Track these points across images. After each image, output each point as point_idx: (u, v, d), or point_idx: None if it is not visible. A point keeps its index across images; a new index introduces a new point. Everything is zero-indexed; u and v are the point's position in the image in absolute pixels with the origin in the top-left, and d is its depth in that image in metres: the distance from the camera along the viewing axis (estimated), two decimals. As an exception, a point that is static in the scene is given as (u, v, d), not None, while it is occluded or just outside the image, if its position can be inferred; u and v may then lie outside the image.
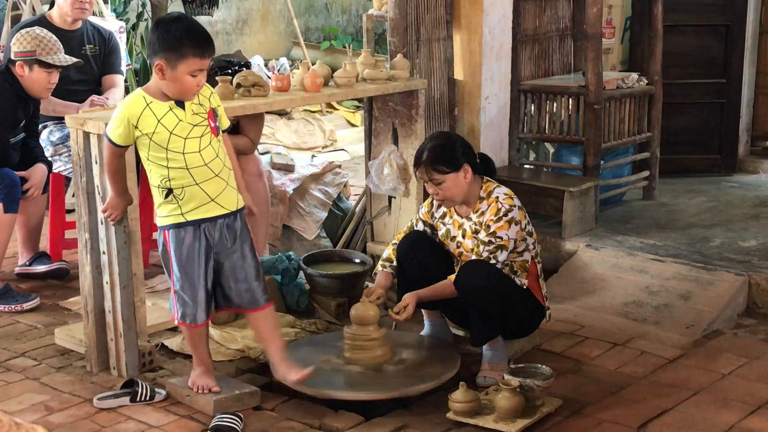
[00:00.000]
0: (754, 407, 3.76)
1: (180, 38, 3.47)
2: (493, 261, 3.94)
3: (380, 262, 4.27)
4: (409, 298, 4.03)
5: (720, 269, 4.93)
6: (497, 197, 4.02)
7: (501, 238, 3.95)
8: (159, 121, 3.54)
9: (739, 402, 3.80)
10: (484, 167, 4.13)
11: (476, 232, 4.04)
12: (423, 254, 4.14)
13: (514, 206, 4.01)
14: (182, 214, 3.61)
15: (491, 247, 3.95)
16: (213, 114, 3.66)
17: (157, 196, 3.64)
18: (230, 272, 3.69)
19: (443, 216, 4.19)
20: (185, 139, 3.56)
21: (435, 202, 4.16)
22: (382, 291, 4.12)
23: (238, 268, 3.69)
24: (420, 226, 4.25)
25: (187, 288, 3.64)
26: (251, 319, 3.82)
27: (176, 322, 3.75)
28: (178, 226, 3.62)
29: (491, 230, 3.96)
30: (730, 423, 3.63)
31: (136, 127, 3.55)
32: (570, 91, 5.89)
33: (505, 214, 3.97)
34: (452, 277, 3.98)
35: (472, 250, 4.04)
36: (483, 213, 4.03)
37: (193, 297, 3.64)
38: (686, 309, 4.69)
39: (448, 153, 3.99)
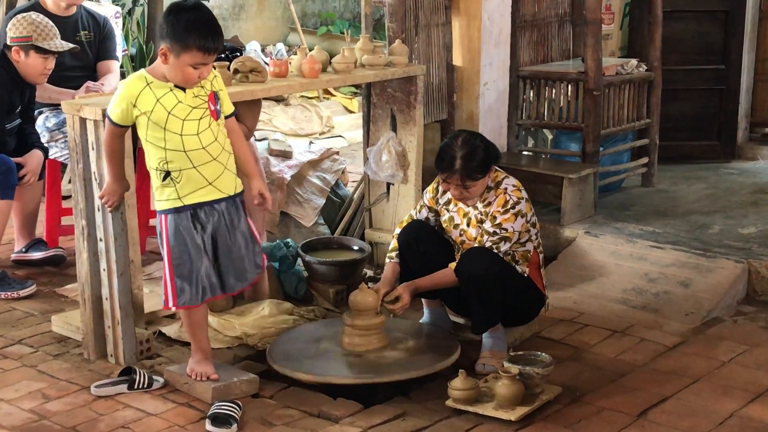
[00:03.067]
0: (755, 395, 3.75)
1: (188, 29, 3.44)
2: (495, 250, 3.92)
3: (387, 255, 4.23)
4: (402, 289, 4.00)
5: (720, 256, 4.92)
6: (506, 188, 3.99)
7: (506, 230, 3.93)
8: (158, 100, 3.52)
9: (739, 389, 3.80)
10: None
11: (481, 221, 4.01)
12: (425, 245, 4.11)
13: (522, 198, 3.98)
14: (179, 198, 3.58)
15: (495, 237, 3.92)
16: (214, 97, 3.62)
17: (155, 179, 3.62)
18: (226, 254, 3.66)
19: (448, 202, 4.15)
20: (183, 120, 3.54)
21: (440, 188, 4.12)
22: (388, 287, 4.04)
23: (234, 253, 3.67)
24: (424, 213, 4.21)
25: (184, 271, 3.61)
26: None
27: (172, 308, 3.70)
28: (176, 211, 3.59)
29: (497, 221, 3.94)
30: (730, 410, 3.63)
31: (135, 106, 3.53)
32: (569, 77, 5.85)
33: (513, 207, 3.94)
34: (453, 265, 3.96)
35: (476, 239, 4.01)
36: (490, 203, 4.00)
37: (190, 279, 3.61)
38: (686, 296, 4.67)
39: (481, 160, 3.93)
